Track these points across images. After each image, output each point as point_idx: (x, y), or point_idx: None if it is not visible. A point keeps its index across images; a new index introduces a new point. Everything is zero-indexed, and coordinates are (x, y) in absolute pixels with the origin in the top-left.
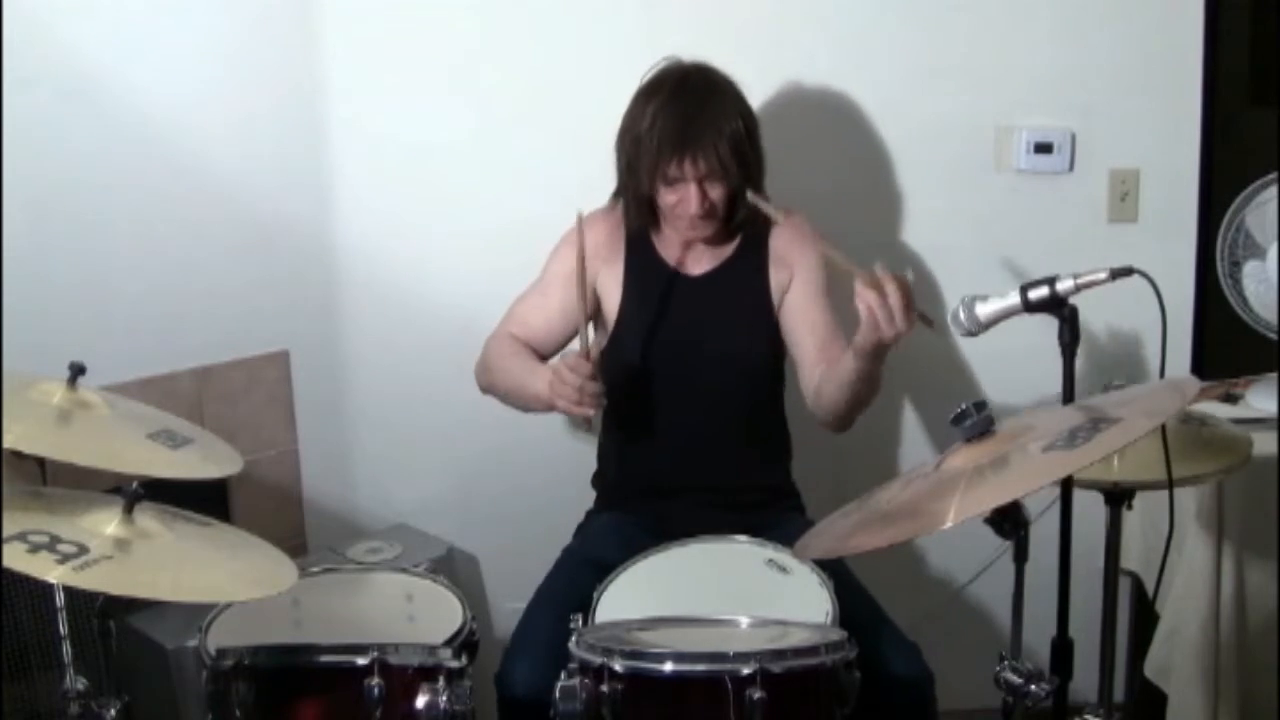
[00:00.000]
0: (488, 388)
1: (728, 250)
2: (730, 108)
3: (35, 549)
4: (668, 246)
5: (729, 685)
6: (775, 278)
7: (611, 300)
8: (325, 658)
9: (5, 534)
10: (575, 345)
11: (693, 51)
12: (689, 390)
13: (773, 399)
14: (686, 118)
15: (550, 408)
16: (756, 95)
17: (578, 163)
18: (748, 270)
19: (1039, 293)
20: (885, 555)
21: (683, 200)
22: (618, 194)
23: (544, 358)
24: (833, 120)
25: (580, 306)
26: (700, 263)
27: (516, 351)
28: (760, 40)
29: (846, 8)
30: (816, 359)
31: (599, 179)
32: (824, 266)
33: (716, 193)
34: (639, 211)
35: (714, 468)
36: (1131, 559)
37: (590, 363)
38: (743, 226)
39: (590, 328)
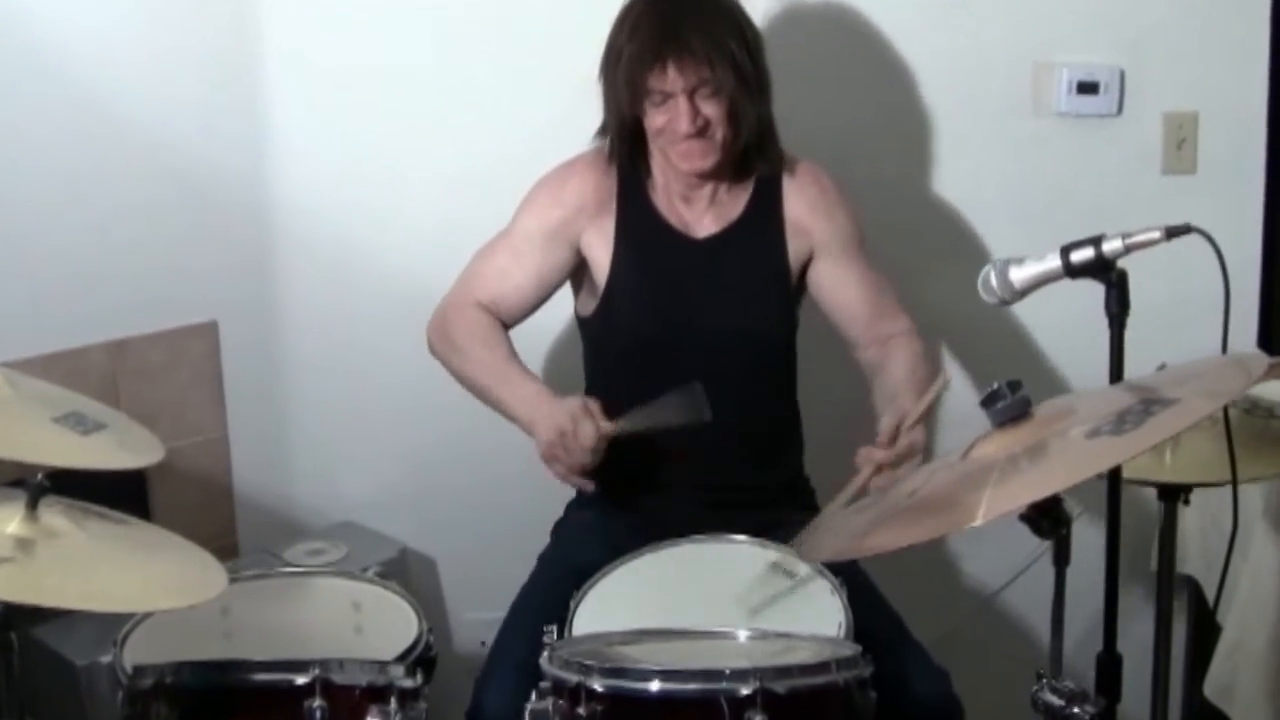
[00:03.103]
0: (444, 362)
1: (735, 210)
2: (721, 8)
3: None
4: (665, 202)
5: (725, 707)
6: (793, 244)
7: (600, 261)
8: (260, 676)
9: None
10: (586, 406)
11: None
12: (687, 370)
13: (784, 380)
14: (669, 21)
15: (528, 432)
16: (762, 24)
17: (554, 97)
18: (759, 233)
19: (1082, 255)
20: (905, 557)
21: (672, 118)
22: (603, 130)
23: (510, 325)
24: (848, 55)
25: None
26: (703, 223)
27: (490, 340)
28: None
29: None
30: (868, 339)
31: (578, 116)
32: (852, 225)
33: (711, 109)
34: (625, 144)
35: (714, 459)
36: (1189, 562)
37: (607, 437)
38: (750, 161)
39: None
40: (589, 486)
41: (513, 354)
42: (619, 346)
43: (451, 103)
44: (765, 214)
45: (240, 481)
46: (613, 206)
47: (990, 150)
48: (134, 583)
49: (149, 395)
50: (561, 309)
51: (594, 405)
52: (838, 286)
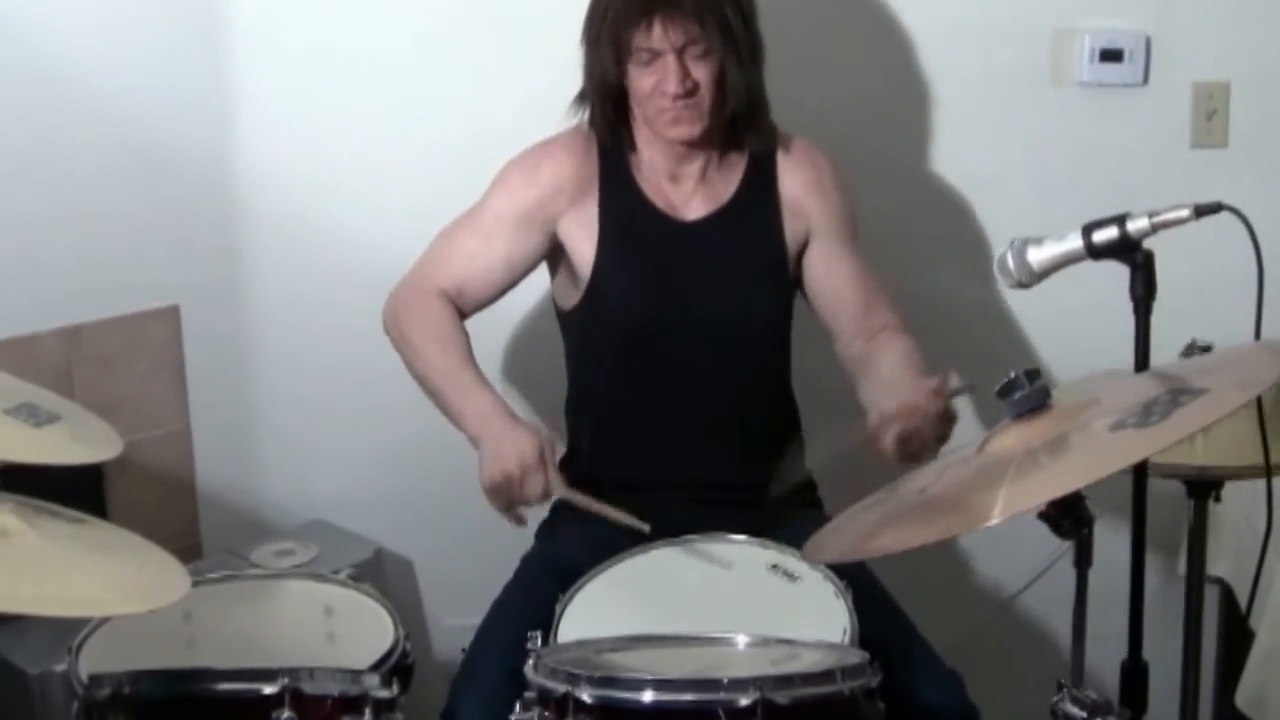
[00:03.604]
0: (396, 349)
1: (727, 190)
2: None
3: None
4: (652, 183)
5: (723, 718)
6: (790, 226)
7: (582, 251)
8: (224, 685)
9: None
10: (542, 455)
11: None
12: (679, 361)
13: (779, 371)
14: None
15: (474, 445)
16: None
17: (539, 69)
18: (753, 214)
19: (1106, 234)
20: (915, 559)
21: (660, 79)
22: (581, 97)
23: (473, 311)
24: (849, 22)
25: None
26: (693, 204)
27: (447, 338)
28: None
29: None
30: (855, 332)
31: (564, 90)
32: (848, 210)
33: (701, 71)
34: (605, 115)
35: (709, 455)
36: (1220, 563)
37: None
38: (740, 136)
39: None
40: (522, 524)
41: (469, 357)
42: (605, 340)
43: (431, 74)
44: (759, 194)
45: (204, 477)
46: (595, 190)
47: (1006, 124)
48: (90, 586)
49: (106, 385)
50: (534, 291)
51: (549, 452)
52: (831, 273)
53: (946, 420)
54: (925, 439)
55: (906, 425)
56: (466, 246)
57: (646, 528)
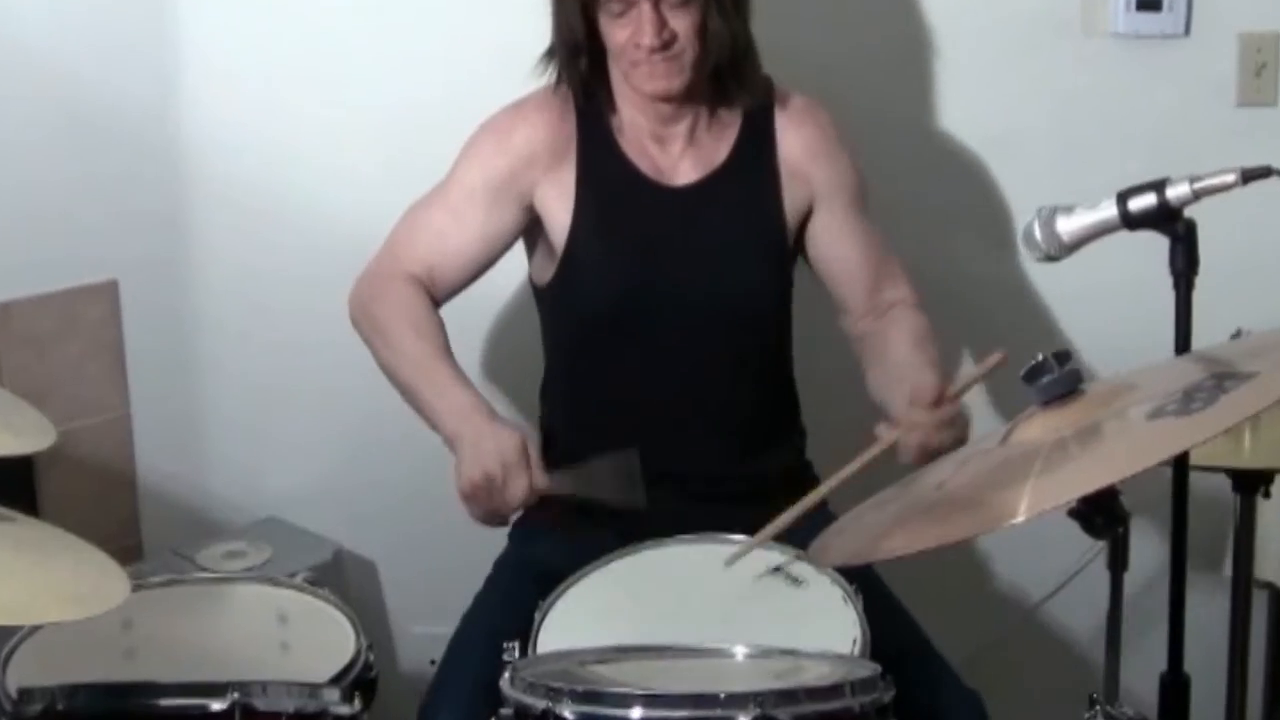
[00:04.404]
0: (365, 342)
1: (719, 153)
2: None
3: None
4: (635, 145)
5: None
6: (789, 193)
7: (558, 221)
8: (167, 700)
9: None
10: (523, 452)
11: None
12: (662, 342)
13: (778, 354)
14: None
15: (450, 447)
16: None
17: (514, 15)
18: (749, 179)
19: (1143, 202)
20: (932, 562)
21: (635, 31)
22: (550, 53)
23: (449, 294)
24: None
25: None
26: (681, 169)
27: (422, 327)
28: None
29: None
30: (864, 308)
31: (543, 39)
32: (855, 174)
33: (680, 21)
34: (576, 71)
35: (701, 446)
36: (1269, 566)
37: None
38: (730, 93)
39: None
40: (504, 524)
41: (445, 349)
42: (582, 319)
43: (399, 24)
44: (755, 157)
45: (145, 471)
46: (572, 155)
47: (1032, 79)
48: (19, 590)
49: (37, 369)
50: (514, 267)
51: (533, 449)
52: (837, 245)
53: (954, 425)
54: (932, 449)
55: (908, 441)
56: (436, 224)
57: (641, 502)
